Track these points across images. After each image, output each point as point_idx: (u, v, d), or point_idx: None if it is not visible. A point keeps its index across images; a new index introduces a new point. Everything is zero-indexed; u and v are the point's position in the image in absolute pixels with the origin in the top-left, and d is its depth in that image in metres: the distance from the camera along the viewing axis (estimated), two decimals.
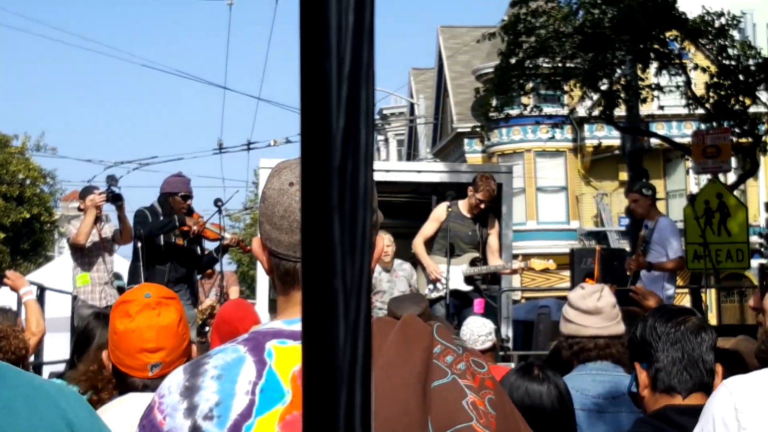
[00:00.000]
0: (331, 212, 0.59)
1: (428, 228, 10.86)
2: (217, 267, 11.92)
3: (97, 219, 10.99)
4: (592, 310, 4.63)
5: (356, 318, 0.60)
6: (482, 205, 10.60)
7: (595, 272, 13.07)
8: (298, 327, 2.13)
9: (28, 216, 45.24)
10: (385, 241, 12.27)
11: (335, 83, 0.59)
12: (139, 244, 10.54)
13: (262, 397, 2.04)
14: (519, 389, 4.06)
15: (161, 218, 10.68)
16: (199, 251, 11.20)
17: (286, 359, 2.08)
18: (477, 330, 8.07)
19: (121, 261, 12.77)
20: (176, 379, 2.13)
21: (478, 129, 35.01)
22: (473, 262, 10.78)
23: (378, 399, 1.97)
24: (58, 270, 16.66)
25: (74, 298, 11.22)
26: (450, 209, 10.65)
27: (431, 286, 10.68)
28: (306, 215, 0.60)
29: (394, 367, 1.98)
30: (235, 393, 2.05)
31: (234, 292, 12.28)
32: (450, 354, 2.03)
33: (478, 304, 10.63)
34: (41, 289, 12.11)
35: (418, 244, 10.88)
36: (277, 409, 2.04)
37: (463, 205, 10.76)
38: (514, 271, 11.32)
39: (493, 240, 10.89)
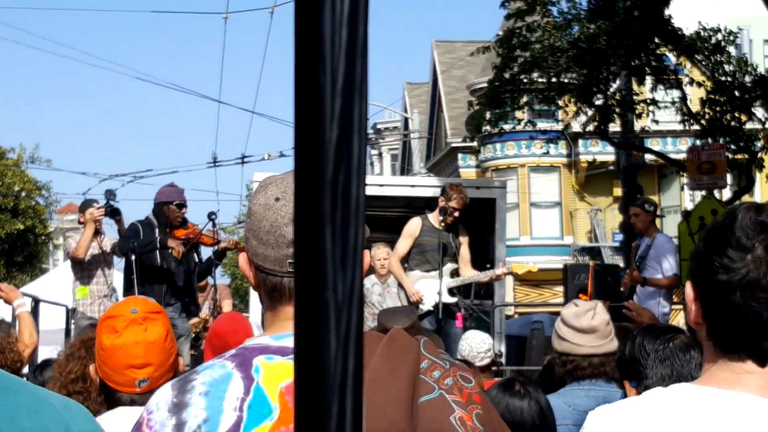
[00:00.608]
0: (323, 224, 0.60)
1: (402, 245, 10.73)
2: (210, 280, 11.90)
3: (96, 232, 11.03)
4: (587, 328, 4.62)
5: (347, 330, 0.60)
6: (456, 214, 10.48)
7: (589, 288, 13.09)
8: (285, 342, 2.15)
9: (22, 228, 45.18)
10: (382, 254, 12.16)
11: (329, 97, 0.59)
12: (133, 257, 10.52)
13: (249, 414, 2.04)
14: (500, 404, 4.07)
15: (156, 230, 10.66)
16: (196, 258, 11.18)
17: (274, 375, 2.09)
18: (476, 347, 8.08)
19: (117, 275, 12.77)
20: (164, 395, 2.14)
21: (471, 143, 35.19)
22: (454, 274, 10.73)
23: (365, 415, 1.97)
24: (53, 282, 16.66)
25: (73, 311, 11.27)
26: (440, 226, 10.56)
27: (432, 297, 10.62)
28: (299, 227, 0.61)
29: (381, 382, 1.98)
30: (223, 409, 2.05)
31: (227, 305, 12.27)
32: (437, 369, 2.03)
33: (458, 318, 10.62)
34: (36, 302, 12.10)
35: (394, 264, 10.75)
36: (264, 425, 2.04)
37: (433, 218, 10.67)
38: (498, 277, 11.26)
39: (464, 250, 10.82)
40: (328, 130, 0.60)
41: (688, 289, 1.93)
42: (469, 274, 10.72)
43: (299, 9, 0.61)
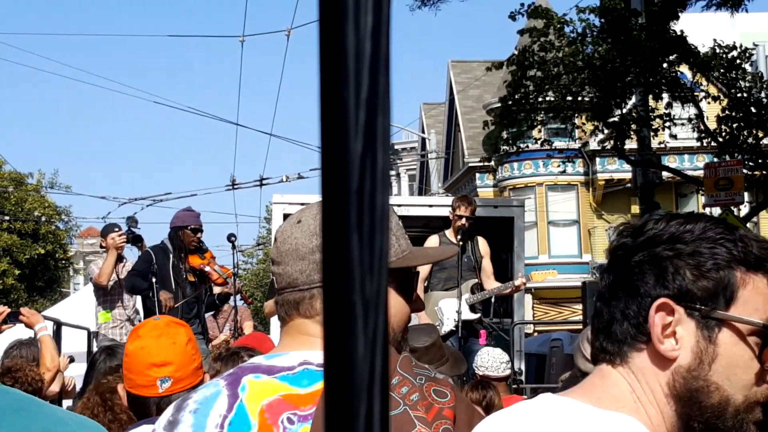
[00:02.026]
0: (350, 232, 0.62)
1: (424, 268, 10.77)
2: (231, 302, 11.93)
3: (119, 258, 11.10)
4: None
5: (375, 332, 0.63)
6: (468, 222, 10.48)
7: None
8: (274, 361, 2.21)
9: (43, 252, 45.38)
10: None
11: (353, 109, 0.62)
12: (154, 280, 10.55)
13: (230, 430, 2.09)
14: None
15: (170, 256, 10.68)
16: (207, 290, 11.22)
17: (257, 393, 2.14)
18: (498, 357, 8.10)
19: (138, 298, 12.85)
20: (166, 413, 2.21)
21: (488, 163, 35.19)
22: (474, 289, 10.72)
23: None
24: (74, 306, 16.73)
25: (96, 335, 11.32)
26: (453, 241, 10.56)
27: (446, 317, 10.60)
28: (326, 235, 0.64)
29: None
30: (206, 426, 2.11)
31: (248, 327, 12.29)
32: (406, 385, 2.04)
33: (482, 335, 10.60)
34: (58, 325, 12.16)
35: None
36: None
37: (450, 234, 10.68)
38: (518, 288, 11.26)
39: (486, 264, 10.82)
40: (353, 142, 0.62)
41: None
42: (491, 287, 10.72)
43: (323, 23, 0.63)
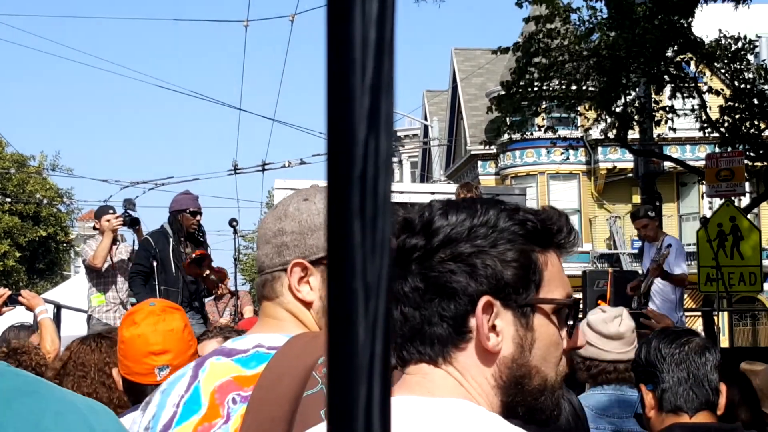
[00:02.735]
0: (352, 217, 0.63)
1: None
2: (231, 286, 11.93)
3: (113, 241, 11.06)
4: (614, 335, 4.65)
5: (375, 317, 0.63)
6: None
7: (608, 294, 13.10)
8: (236, 345, 2.27)
9: (44, 235, 45.39)
10: None
11: (358, 94, 0.63)
12: (155, 264, 10.55)
13: (184, 409, 2.16)
14: None
15: (170, 241, 10.65)
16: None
17: (214, 374, 2.19)
18: None
19: None
20: (149, 397, 2.34)
21: (490, 149, 35.16)
22: None
23: (261, 409, 2.04)
24: (75, 289, 16.72)
25: (89, 318, 11.26)
26: None
27: None
28: (331, 220, 0.64)
29: (284, 375, 2.06)
30: (166, 405, 2.19)
31: (248, 311, 12.28)
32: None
33: None
34: (58, 308, 12.17)
35: None
36: (192, 420, 2.15)
37: None
38: None
39: None
40: (358, 128, 0.63)
41: None
42: None
43: (331, 9, 0.64)
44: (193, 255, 10.51)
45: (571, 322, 1.79)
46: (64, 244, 49.03)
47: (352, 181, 0.62)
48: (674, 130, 19.37)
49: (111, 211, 11.24)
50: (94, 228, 11.61)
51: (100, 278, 11.13)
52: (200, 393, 2.16)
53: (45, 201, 43.77)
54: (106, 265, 10.99)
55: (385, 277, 0.63)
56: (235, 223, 11.91)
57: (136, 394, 3.46)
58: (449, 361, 1.69)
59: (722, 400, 3.51)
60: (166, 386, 2.25)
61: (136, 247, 11.42)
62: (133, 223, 11.22)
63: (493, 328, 1.68)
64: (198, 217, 10.80)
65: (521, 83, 18.65)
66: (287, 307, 2.28)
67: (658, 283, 11.29)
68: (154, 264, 10.51)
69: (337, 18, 0.62)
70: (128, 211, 11.39)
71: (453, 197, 10.65)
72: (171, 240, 10.67)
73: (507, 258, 1.67)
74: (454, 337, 1.68)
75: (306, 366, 2.05)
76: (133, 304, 11.69)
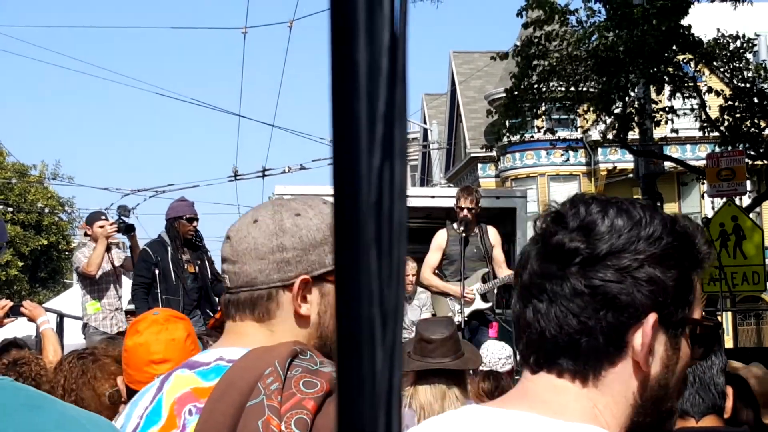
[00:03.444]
0: (368, 245, 0.63)
1: (432, 258, 10.70)
2: None
3: (107, 248, 11.01)
4: None
5: (393, 344, 0.63)
6: (471, 213, 10.45)
7: None
8: (198, 357, 2.31)
9: (46, 244, 45.42)
10: (410, 270, 12.05)
11: (369, 122, 0.62)
12: (156, 271, 10.54)
13: (146, 421, 2.20)
14: None
15: (168, 249, 10.63)
16: (210, 274, 11.08)
17: (175, 386, 2.22)
18: (497, 353, 8.08)
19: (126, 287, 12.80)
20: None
21: (490, 151, 35.17)
22: (485, 278, 10.69)
23: (208, 419, 2.06)
24: (77, 297, 16.70)
25: (85, 326, 11.21)
26: (457, 231, 10.56)
27: (457, 308, 10.56)
28: (340, 249, 0.64)
29: (228, 390, 2.09)
30: (132, 416, 2.23)
31: None
32: (272, 376, 2.09)
33: (493, 327, 10.57)
34: (60, 317, 12.13)
35: (428, 276, 10.69)
36: (151, 431, 2.18)
37: (457, 226, 10.65)
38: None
39: (498, 253, 10.78)
40: (369, 156, 0.63)
41: None
42: (504, 274, 10.68)
43: (335, 39, 0.64)
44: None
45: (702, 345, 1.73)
46: (66, 253, 49.01)
47: (366, 209, 0.62)
48: (676, 131, 19.38)
49: (103, 218, 11.20)
50: (86, 234, 11.56)
51: (94, 285, 11.07)
52: (162, 404, 2.19)
53: (46, 210, 43.81)
54: (100, 272, 10.95)
55: (401, 303, 0.63)
56: None
57: None
58: (593, 378, 1.64)
59: (729, 404, 3.50)
60: (136, 397, 2.29)
61: (128, 254, 11.40)
62: (128, 230, 11.17)
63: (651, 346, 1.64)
64: (195, 224, 10.78)
65: (521, 86, 18.67)
66: (275, 327, 2.27)
67: None
68: (156, 272, 10.50)
69: (340, 46, 0.62)
70: (122, 217, 11.34)
71: (452, 201, 10.59)
72: (169, 248, 10.66)
73: (671, 275, 1.63)
74: (610, 352, 1.63)
75: (254, 377, 2.06)
76: (128, 312, 11.69)
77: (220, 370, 2.19)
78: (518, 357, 1.67)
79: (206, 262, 10.94)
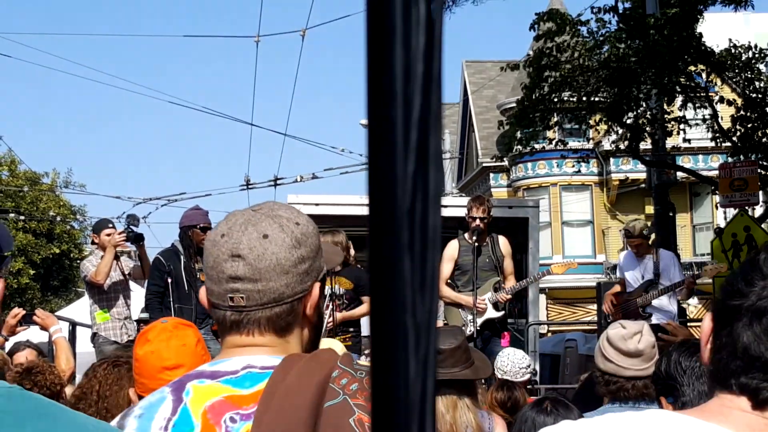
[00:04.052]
0: (402, 253, 0.62)
1: (445, 269, 10.69)
2: None
3: (116, 256, 10.98)
4: (633, 352, 4.65)
5: (426, 353, 0.63)
6: (483, 222, 10.45)
7: None
8: (218, 367, 2.27)
9: (57, 252, 45.46)
10: None
11: (404, 129, 0.62)
12: (169, 280, 10.53)
13: (174, 431, 2.16)
14: (527, 421, 4.11)
15: (181, 258, 10.64)
16: None
17: (201, 396, 2.20)
18: (518, 362, 8.09)
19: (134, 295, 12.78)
20: (114, 421, 2.31)
21: (502, 161, 35.17)
22: (496, 287, 10.68)
23: (276, 421, 2.05)
24: (89, 306, 16.73)
25: (94, 335, 11.17)
26: (469, 241, 10.57)
27: (470, 318, 10.55)
28: (374, 255, 0.63)
29: (292, 391, 2.07)
30: (150, 429, 2.18)
31: None
32: (345, 377, 2.11)
33: (505, 338, 10.58)
34: (73, 325, 12.13)
35: (440, 287, 10.64)
36: None
37: (469, 236, 10.65)
38: (536, 279, 11.47)
39: (507, 264, 10.78)
40: (404, 162, 0.62)
41: (706, 323, 1.82)
42: (510, 285, 10.68)
43: (371, 43, 0.63)
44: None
45: None
46: (78, 261, 49.06)
47: (400, 216, 0.62)
48: (688, 141, 19.35)
49: (110, 225, 11.18)
50: (92, 242, 11.54)
51: (102, 294, 11.03)
52: (190, 414, 2.17)
53: (58, 218, 43.85)
54: (109, 282, 10.93)
55: (434, 312, 0.62)
56: None
57: None
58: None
59: None
60: (141, 411, 2.23)
61: (137, 263, 11.39)
62: (137, 239, 11.13)
63: None
64: (208, 233, 10.75)
65: (533, 97, 18.66)
66: (290, 337, 2.30)
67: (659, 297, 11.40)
68: (168, 281, 10.49)
69: (377, 52, 0.61)
70: (131, 226, 11.31)
71: (464, 210, 10.60)
72: (182, 257, 10.66)
73: None
74: None
75: (318, 381, 2.07)
76: (140, 320, 11.67)
77: (254, 377, 2.19)
78: (734, 386, 1.72)
79: None
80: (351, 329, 10.53)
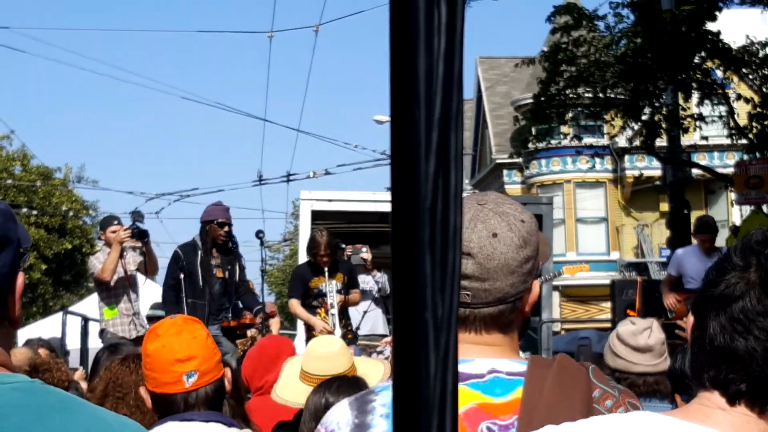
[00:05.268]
0: (423, 250, 0.63)
1: None
2: (258, 298, 11.93)
3: (121, 253, 11.00)
4: (643, 347, 4.65)
5: (446, 350, 0.63)
6: None
7: (637, 304, 13.06)
8: (462, 368, 2.18)
9: (70, 247, 45.55)
10: None
11: (426, 129, 0.63)
12: (181, 276, 10.55)
13: None
14: None
15: (198, 253, 10.67)
16: (237, 278, 11.09)
17: None
18: None
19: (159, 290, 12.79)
20: (344, 415, 2.23)
21: (516, 159, 35.15)
22: None
23: None
24: (97, 302, 16.80)
25: (102, 332, 11.18)
26: None
27: None
28: (397, 253, 0.64)
29: (556, 408, 2.02)
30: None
31: (275, 323, 12.27)
32: (609, 398, 2.06)
33: None
34: (85, 320, 12.16)
35: None
36: None
37: None
38: (548, 280, 11.52)
39: None
40: (425, 161, 0.63)
41: (690, 317, 1.76)
42: None
43: (395, 45, 0.64)
44: (238, 322, 10.65)
45: None
46: (90, 256, 49.10)
47: (421, 214, 0.62)
48: (705, 138, 19.31)
49: (116, 222, 11.21)
50: (99, 238, 11.57)
51: (110, 291, 11.05)
52: None
53: (71, 213, 43.93)
54: (115, 278, 10.95)
55: (455, 310, 0.63)
56: (261, 235, 11.92)
57: (165, 406, 3.46)
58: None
59: None
60: (386, 410, 2.18)
61: (143, 259, 11.42)
62: (141, 235, 11.14)
63: None
64: (226, 228, 10.78)
65: (549, 92, 18.64)
66: (513, 334, 2.29)
67: None
68: (182, 276, 10.51)
69: (401, 52, 0.62)
70: (136, 223, 11.33)
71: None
72: (199, 251, 10.68)
73: None
74: None
75: (581, 398, 2.05)
76: (159, 317, 11.70)
77: (503, 384, 2.17)
78: (707, 381, 1.67)
79: (236, 268, 10.95)
80: (348, 324, 10.92)
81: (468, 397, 2.14)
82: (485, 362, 2.22)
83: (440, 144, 0.62)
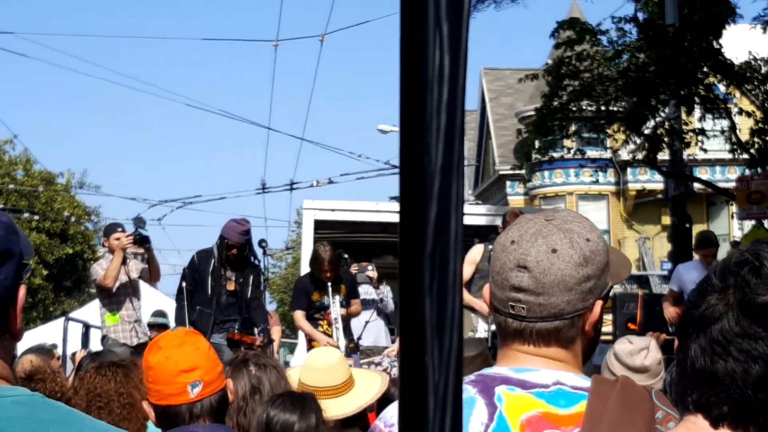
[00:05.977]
0: (423, 295, 0.64)
1: (465, 272, 10.77)
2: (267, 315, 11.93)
3: (124, 259, 11.01)
4: (639, 368, 4.66)
5: (445, 393, 0.65)
6: None
7: (638, 317, 13.04)
8: (525, 376, 2.21)
9: (71, 253, 45.52)
10: None
11: (428, 176, 0.64)
12: (184, 284, 10.56)
13: None
14: None
15: (212, 261, 10.66)
16: (249, 294, 11.05)
17: (515, 406, 2.15)
18: None
19: (165, 299, 12.81)
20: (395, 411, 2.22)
21: (519, 171, 35.15)
22: None
23: None
24: (98, 309, 16.79)
25: (104, 338, 11.18)
26: (486, 250, 10.66)
27: (481, 323, 10.61)
28: (403, 295, 0.66)
29: (618, 425, 2.02)
30: (468, 431, 2.13)
31: (276, 332, 12.25)
32: (672, 421, 2.06)
33: None
34: (86, 327, 12.17)
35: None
36: None
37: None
38: None
39: None
40: (428, 208, 0.65)
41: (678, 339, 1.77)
42: None
43: (404, 96, 0.65)
44: (242, 337, 10.59)
45: None
46: (92, 262, 49.09)
47: (422, 259, 0.64)
48: (705, 150, 19.30)
49: (119, 229, 11.20)
50: (102, 245, 11.58)
51: (111, 297, 11.06)
52: (508, 425, 2.13)
53: (72, 219, 43.92)
54: (117, 284, 10.96)
55: (456, 353, 0.64)
56: (264, 244, 11.91)
57: (171, 418, 3.45)
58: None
59: None
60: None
61: (145, 266, 11.42)
62: (143, 241, 11.15)
63: None
64: (234, 251, 10.68)
65: (552, 105, 18.66)
66: (576, 350, 2.29)
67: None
68: (183, 284, 10.52)
69: (410, 106, 0.64)
70: (138, 229, 11.34)
71: (481, 218, 10.67)
72: (213, 261, 10.68)
73: None
74: None
75: (645, 419, 2.03)
76: (163, 324, 11.70)
77: (567, 396, 2.17)
78: (690, 405, 1.67)
79: (249, 281, 10.87)
80: (350, 334, 10.92)
81: (532, 405, 2.15)
82: (550, 374, 2.22)
83: (441, 192, 0.64)
